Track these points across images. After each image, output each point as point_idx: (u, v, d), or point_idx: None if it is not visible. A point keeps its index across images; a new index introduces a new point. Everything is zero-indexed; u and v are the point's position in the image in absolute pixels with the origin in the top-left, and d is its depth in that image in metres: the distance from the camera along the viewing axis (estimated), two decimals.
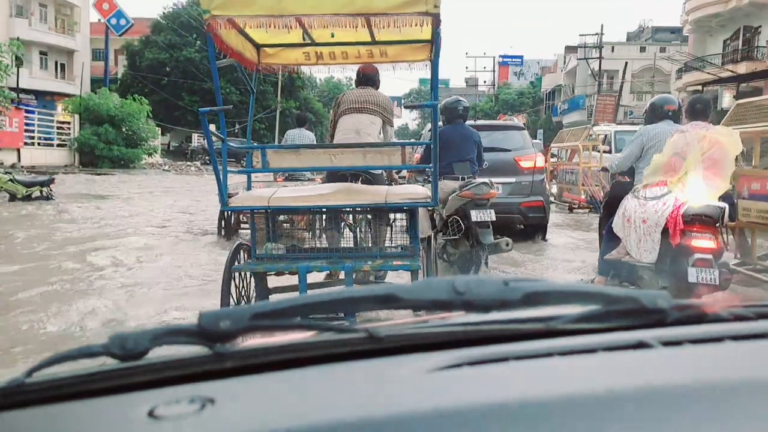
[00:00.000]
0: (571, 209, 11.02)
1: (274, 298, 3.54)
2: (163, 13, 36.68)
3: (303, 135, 7.38)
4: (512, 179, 6.56)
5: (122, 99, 21.41)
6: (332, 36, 3.67)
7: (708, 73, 21.33)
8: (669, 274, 3.73)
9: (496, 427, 0.49)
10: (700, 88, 22.36)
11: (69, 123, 20.37)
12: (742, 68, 21.64)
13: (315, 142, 8.00)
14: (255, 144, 4.11)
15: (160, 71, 35.23)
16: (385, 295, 0.65)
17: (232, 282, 3.23)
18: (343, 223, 3.85)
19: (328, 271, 3.76)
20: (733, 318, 0.74)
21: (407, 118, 54.60)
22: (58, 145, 19.77)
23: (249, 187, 3.92)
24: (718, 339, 0.66)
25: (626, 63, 28.58)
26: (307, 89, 41.40)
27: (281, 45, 3.84)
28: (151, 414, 0.54)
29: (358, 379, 0.61)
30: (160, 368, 0.63)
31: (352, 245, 3.67)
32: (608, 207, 4.61)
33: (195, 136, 34.74)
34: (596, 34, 31.13)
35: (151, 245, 6.75)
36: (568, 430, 0.48)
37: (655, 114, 4.51)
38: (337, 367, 0.62)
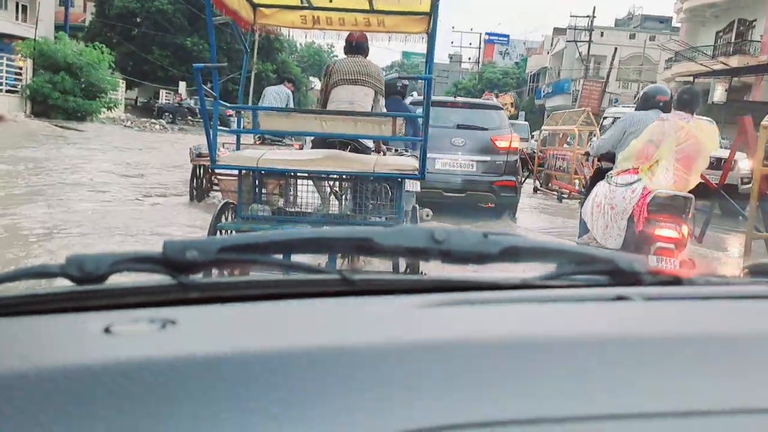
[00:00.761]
0: (560, 198, 10.13)
1: None
2: None
3: (280, 91, 7.30)
4: (487, 158, 6.65)
5: (81, 46, 19.64)
6: (330, 1, 3.60)
7: (700, 64, 20.57)
8: None
9: (483, 361, 0.48)
10: (690, 79, 21.62)
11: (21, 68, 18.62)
12: (734, 62, 20.98)
13: (291, 99, 7.81)
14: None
15: (129, 21, 33.03)
16: (361, 238, 0.64)
17: None
18: (329, 190, 3.79)
19: None
20: (707, 283, 0.74)
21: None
22: (8, 91, 17.98)
23: (237, 147, 3.93)
24: (695, 298, 0.66)
25: (616, 49, 27.76)
26: (285, 52, 39.52)
27: (278, 6, 3.77)
28: (107, 330, 0.52)
29: (335, 312, 0.59)
30: (119, 293, 0.61)
31: (337, 212, 3.66)
32: (590, 192, 4.43)
33: (163, 93, 32.80)
34: (588, 16, 30.17)
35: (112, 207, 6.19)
36: (551, 369, 0.48)
37: (646, 103, 4.48)
38: (310, 301, 0.60)
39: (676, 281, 0.72)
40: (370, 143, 3.96)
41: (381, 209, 3.53)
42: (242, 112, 4.25)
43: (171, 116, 28.71)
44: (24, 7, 33.03)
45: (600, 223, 3.98)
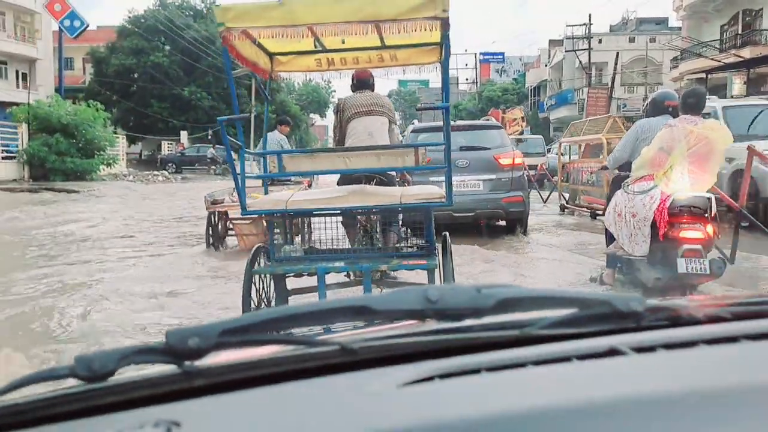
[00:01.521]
0: (594, 216, 9.20)
1: (293, 299, 3.62)
2: (129, 17, 34.34)
3: (273, 138, 7.51)
4: (493, 176, 6.83)
5: (75, 106, 19.19)
6: (343, 42, 3.66)
7: (711, 59, 19.76)
8: (660, 266, 3.76)
9: None
10: (702, 75, 20.78)
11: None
12: (746, 53, 20.16)
13: (286, 142, 8.04)
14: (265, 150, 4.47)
15: (127, 78, 33.00)
16: (358, 307, 0.65)
17: (252, 285, 3.26)
18: (358, 224, 3.89)
19: (347, 272, 3.75)
20: (708, 320, 0.72)
21: None
22: (4, 158, 17.47)
23: (266, 192, 3.95)
24: (691, 343, 0.65)
25: (618, 53, 27.08)
26: (283, 92, 39.29)
27: (293, 53, 3.90)
28: None
29: (329, 398, 0.60)
30: (127, 389, 0.62)
31: (368, 246, 3.73)
32: (609, 202, 4.52)
33: (165, 144, 32.45)
34: (584, 24, 29.59)
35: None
36: None
37: (655, 109, 4.50)
38: (307, 383, 0.61)
39: (674, 321, 0.71)
40: (394, 173, 3.99)
41: (412, 239, 3.57)
42: (267, 157, 4.39)
43: (174, 166, 28.22)
44: (24, 75, 33.11)
45: (624, 231, 4.00)
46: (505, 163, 6.85)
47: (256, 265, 3.30)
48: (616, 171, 4.70)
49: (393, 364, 0.64)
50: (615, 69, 26.72)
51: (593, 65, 30.81)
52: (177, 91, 32.73)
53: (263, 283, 3.43)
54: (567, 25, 31.68)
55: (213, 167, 26.95)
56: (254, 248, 3.42)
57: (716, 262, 3.63)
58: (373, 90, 4.27)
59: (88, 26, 20.31)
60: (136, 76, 32.77)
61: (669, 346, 0.65)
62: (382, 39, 3.56)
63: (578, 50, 29.86)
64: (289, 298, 3.64)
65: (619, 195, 4.14)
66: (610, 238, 4.42)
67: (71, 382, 0.61)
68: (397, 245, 3.56)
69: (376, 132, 3.96)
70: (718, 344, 0.66)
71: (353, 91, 4.25)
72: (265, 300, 3.43)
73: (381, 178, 3.88)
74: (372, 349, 0.66)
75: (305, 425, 0.53)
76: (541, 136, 19.34)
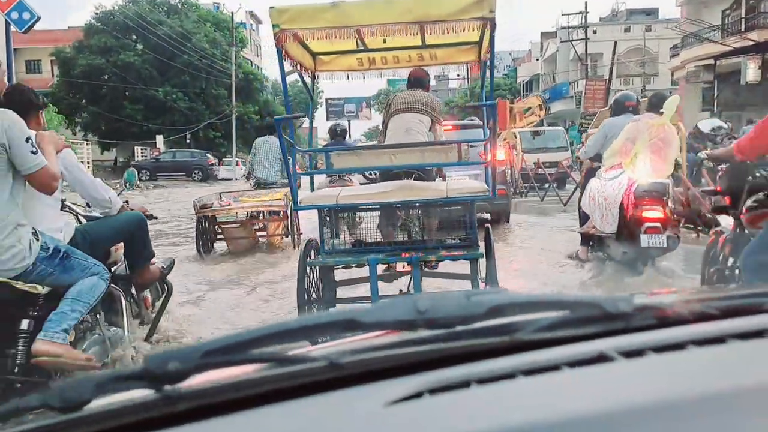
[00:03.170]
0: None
1: (341, 290, 3.84)
2: (96, 14, 32.41)
3: (270, 142, 7.27)
4: (479, 171, 7.11)
5: None
6: (384, 42, 3.76)
7: (721, 43, 18.44)
8: (627, 241, 4.39)
9: None
10: (711, 62, 19.46)
11: None
12: (754, 37, 18.91)
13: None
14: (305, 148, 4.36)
15: (96, 79, 31.06)
16: (345, 321, 0.65)
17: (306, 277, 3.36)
18: (399, 219, 3.96)
19: (387, 264, 3.86)
20: (695, 318, 0.74)
21: (378, 120, 52.50)
22: None
23: (312, 189, 4.08)
24: (680, 345, 0.65)
25: (615, 43, 25.87)
26: (266, 92, 37.62)
27: (336, 52, 3.99)
28: None
29: (316, 421, 0.58)
30: (104, 417, 0.58)
31: (413, 238, 3.86)
32: (584, 188, 5.29)
33: (138, 149, 30.60)
34: (580, 12, 28.29)
35: None
36: None
37: (619, 108, 5.31)
38: (293, 405, 0.60)
39: (662, 321, 0.73)
40: (432, 169, 4.07)
41: (454, 231, 3.75)
42: (312, 154, 4.65)
43: (148, 173, 26.42)
44: None
45: (597, 213, 4.65)
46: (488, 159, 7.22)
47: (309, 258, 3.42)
48: (590, 163, 5.44)
49: (381, 379, 0.63)
50: (613, 59, 25.44)
51: (588, 57, 29.54)
52: (151, 93, 30.94)
53: (313, 275, 3.53)
54: (563, 14, 30.53)
55: (195, 174, 25.12)
56: (305, 242, 3.62)
57: (671, 238, 4.26)
58: (426, 89, 4.30)
59: (39, 19, 18.38)
60: (105, 77, 30.81)
61: (658, 348, 0.65)
62: (422, 38, 3.66)
63: (575, 40, 28.51)
64: (337, 288, 3.79)
65: (593, 182, 4.85)
66: (583, 219, 5.06)
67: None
68: (441, 238, 3.74)
69: (414, 129, 3.95)
70: (706, 345, 0.66)
71: (407, 89, 4.29)
72: (315, 292, 3.53)
73: (420, 173, 3.92)
74: (360, 364, 0.65)
75: None
76: (561, 128, 17.86)
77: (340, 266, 3.58)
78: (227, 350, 0.60)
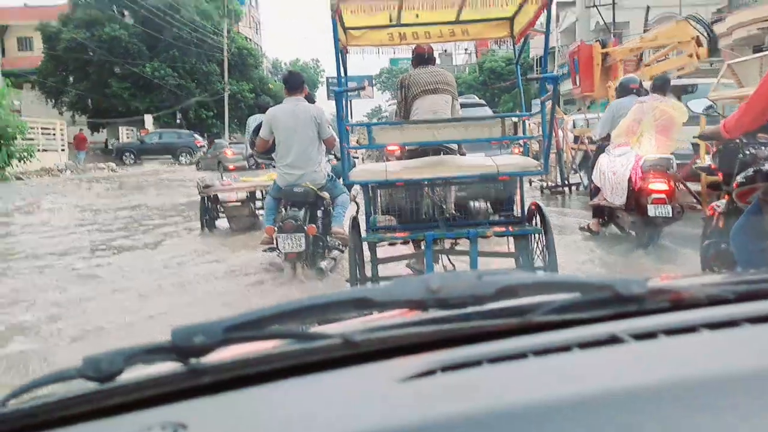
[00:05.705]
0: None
1: (382, 268, 3.75)
2: None
3: (258, 120, 7.08)
4: (482, 153, 6.57)
5: None
6: (417, 17, 3.79)
7: None
8: (635, 211, 4.78)
9: None
10: (765, 26, 16.75)
11: None
12: None
13: None
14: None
15: (81, 55, 28.57)
16: (358, 299, 0.67)
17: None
18: (441, 195, 3.94)
19: (437, 240, 3.79)
20: (710, 302, 0.73)
21: (380, 100, 50.03)
22: None
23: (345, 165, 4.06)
24: (692, 329, 0.65)
25: (648, 8, 23.02)
26: (261, 68, 35.03)
27: (368, 27, 3.97)
28: None
29: (333, 394, 0.61)
30: (134, 389, 0.63)
31: (461, 214, 3.91)
32: (594, 164, 5.66)
33: (123, 130, 28.26)
34: None
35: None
36: None
37: (623, 91, 5.78)
38: (310, 379, 0.63)
39: (676, 304, 0.72)
40: (454, 147, 4.07)
41: (502, 207, 3.90)
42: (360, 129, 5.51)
43: (133, 156, 24.10)
44: None
45: (607, 186, 5.07)
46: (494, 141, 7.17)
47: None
48: (601, 141, 5.85)
49: (395, 356, 0.64)
50: (645, 26, 22.68)
51: (611, 26, 26.75)
52: (139, 69, 28.47)
53: (359, 252, 3.60)
54: None
55: (183, 156, 22.72)
56: (350, 219, 3.82)
57: (676, 209, 4.65)
58: (434, 64, 4.30)
59: None
60: (91, 53, 28.31)
61: (670, 331, 0.65)
62: (458, 13, 3.77)
63: (600, 5, 25.68)
64: (379, 266, 3.72)
65: (602, 157, 5.32)
66: (594, 193, 5.53)
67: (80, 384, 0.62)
68: (489, 214, 3.87)
69: (440, 110, 3.98)
70: (720, 329, 0.66)
71: (414, 67, 4.23)
72: (359, 267, 3.57)
73: (446, 149, 3.92)
74: (374, 342, 0.67)
75: (310, 424, 0.55)
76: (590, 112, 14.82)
77: (384, 243, 3.60)
78: (248, 326, 0.63)
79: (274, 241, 4.46)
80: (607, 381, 0.55)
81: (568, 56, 13.19)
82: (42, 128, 19.46)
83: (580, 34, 31.76)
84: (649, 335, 0.64)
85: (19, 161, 14.53)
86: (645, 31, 22.99)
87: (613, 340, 0.63)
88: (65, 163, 19.07)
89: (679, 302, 0.72)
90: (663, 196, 4.54)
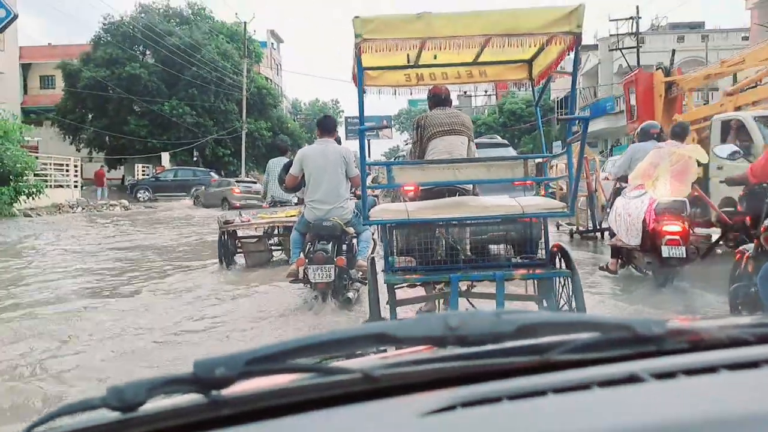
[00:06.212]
0: None
1: (400, 310, 3.61)
2: (104, 24, 30.26)
3: (281, 163, 7.13)
4: (506, 195, 6.43)
5: None
6: (435, 57, 3.77)
7: None
8: (650, 253, 4.92)
9: None
10: None
11: None
12: None
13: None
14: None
15: (100, 92, 28.69)
16: (377, 334, 0.66)
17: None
18: (469, 235, 4.01)
19: (463, 282, 3.70)
20: (731, 343, 0.72)
21: (398, 140, 50.16)
22: None
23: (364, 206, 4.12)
24: (712, 369, 0.65)
25: (673, 51, 22.46)
26: (280, 108, 34.98)
27: (385, 67, 3.95)
28: None
29: (352, 427, 0.61)
30: (157, 419, 0.64)
31: (482, 255, 3.93)
32: (611, 206, 5.85)
33: (138, 167, 28.03)
34: (630, 18, 25.13)
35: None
36: None
37: (644, 136, 5.92)
38: (330, 413, 0.63)
39: (696, 345, 0.71)
40: (469, 188, 4.05)
41: (524, 249, 3.76)
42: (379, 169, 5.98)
43: (147, 193, 23.73)
44: None
45: (622, 227, 5.25)
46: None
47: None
48: (617, 183, 6.10)
49: (415, 392, 0.64)
50: (670, 68, 22.09)
51: (635, 68, 26.24)
52: (157, 107, 28.48)
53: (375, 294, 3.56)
54: (610, 20, 27.20)
55: (196, 196, 22.32)
56: (370, 259, 3.89)
57: (691, 249, 4.79)
58: (450, 106, 4.29)
59: (16, 17, 16.01)
60: (110, 90, 28.42)
61: (690, 371, 0.64)
62: (477, 55, 3.73)
63: (625, 48, 25.25)
64: (397, 308, 3.60)
65: (619, 200, 5.54)
66: (612, 234, 5.80)
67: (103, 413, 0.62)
68: (512, 255, 3.76)
69: (456, 151, 3.95)
70: (740, 370, 0.65)
71: (431, 108, 4.21)
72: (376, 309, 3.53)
73: (462, 190, 3.90)
74: (394, 377, 0.67)
75: None
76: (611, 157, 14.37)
77: (404, 285, 3.50)
78: (268, 359, 0.63)
79: (301, 273, 4.70)
80: (627, 419, 0.55)
81: (623, 86, 12.27)
82: (55, 164, 19.19)
83: (603, 77, 31.36)
84: (668, 375, 0.63)
85: (28, 197, 14.04)
86: (670, 69, 22.36)
87: (633, 379, 0.63)
88: (77, 199, 18.63)
89: (698, 343, 0.71)
90: (677, 237, 4.69)
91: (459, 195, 3.79)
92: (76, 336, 4.19)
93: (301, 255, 4.78)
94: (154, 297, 5.68)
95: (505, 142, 8.27)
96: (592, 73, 32.46)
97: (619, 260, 5.54)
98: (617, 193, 5.82)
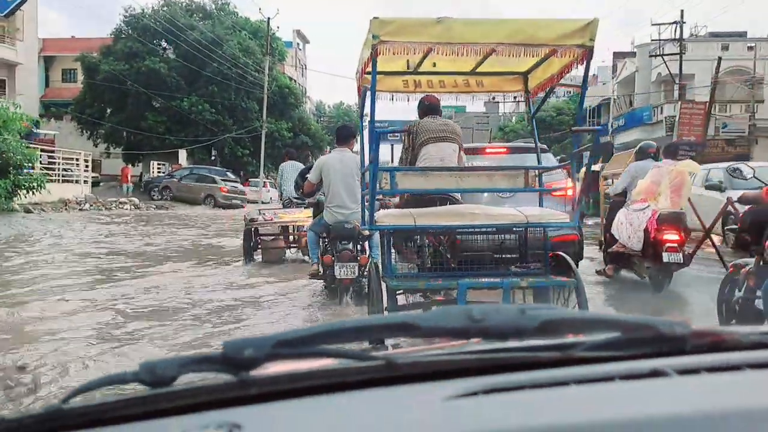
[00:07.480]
0: None
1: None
2: (125, 17, 29.71)
3: (295, 167, 7.87)
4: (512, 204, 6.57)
5: None
6: (434, 65, 3.82)
7: None
8: (651, 258, 5.52)
9: None
10: None
11: None
12: None
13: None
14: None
15: (119, 86, 28.09)
16: (402, 324, 0.68)
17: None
18: (474, 242, 4.08)
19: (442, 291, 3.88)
20: (752, 345, 0.73)
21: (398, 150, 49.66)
22: None
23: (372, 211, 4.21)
24: (736, 367, 0.65)
25: (719, 59, 21.16)
26: (302, 109, 34.08)
27: (385, 72, 3.87)
28: None
29: (377, 408, 0.63)
30: (188, 394, 0.66)
31: (488, 263, 3.95)
32: (609, 217, 6.46)
33: (154, 164, 27.34)
34: (675, 23, 23.69)
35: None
36: None
37: (643, 155, 6.41)
38: (356, 394, 0.65)
39: (718, 347, 0.71)
40: (459, 197, 4.10)
41: (524, 259, 3.79)
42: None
43: (158, 192, 22.97)
44: (2, 82, 28.42)
45: (624, 233, 5.74)
46: (557, 193, 5.67)
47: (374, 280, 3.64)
48: (614, 197, 6.54)
49: (437, 380, 0.65)
50: (714, 80, 20.71)
51: (675, 77, 24.79)
52: (176, 103, 27.79)
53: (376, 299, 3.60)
54: (653, 24, 25.77)
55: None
56: (371, 264, 3.88)
57: (686, 255, 5.48)
58: (440, 115, 4.35)
59: (24, 1, 15.29)
60: (128, 84, 27.80)
61: (713, 369, 0.65)
62: (476, 65, 3.78)
63: (666, 55, 23.81)
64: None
65: (622, 211, 5.96)
66: (610, 242, 6.15)
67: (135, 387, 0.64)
68: (514, 264, 3.83)
69: (447, 158, 3.99)
70: (764, 369, 0.66)
71: (421, 116, 4.26)
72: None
73: (452, 199, 3.95)
74: (416, 365, 0.68)
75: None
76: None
77: (400, 290, 3.52)
78: (296, 343, 0.64)
79: (322, 269, 5.28)
80: (650, 409, 0.55)
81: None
82: (64, 158, 18.48)
83: (640, 85, 29.89)
84: (692, 371, 0.64)
85: (28, 192, 13.16)
86: (714, 84, 20.91)
87: (656, 373, 0.63)
88: (85, 195, 17.85)
89: (720, 344, 0.72)
90: (676, 245, 5.34)
91: (450, 204, 3.82)
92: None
93: (320, 254, 5.41)
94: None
95: (545, 146, 7.59)
96: (629, 80, 30.97)
97: (615, 266, 6.20)
98: (617, 204, 6.32)
